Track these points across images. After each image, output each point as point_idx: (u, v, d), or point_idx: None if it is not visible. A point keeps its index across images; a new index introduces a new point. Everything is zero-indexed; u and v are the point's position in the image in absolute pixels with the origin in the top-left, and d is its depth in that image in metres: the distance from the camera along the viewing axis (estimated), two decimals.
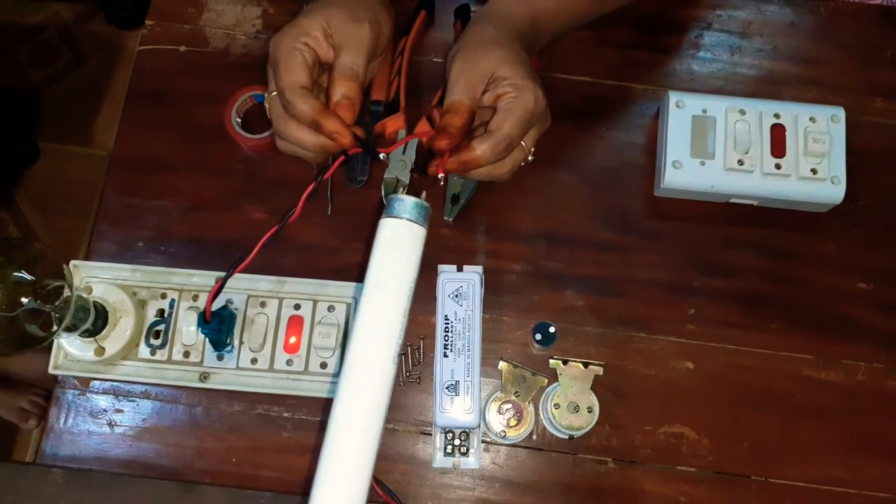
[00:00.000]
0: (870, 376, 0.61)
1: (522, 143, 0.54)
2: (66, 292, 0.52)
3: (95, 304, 0.56)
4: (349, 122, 0.52)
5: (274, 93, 0.53)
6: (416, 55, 0.67)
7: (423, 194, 0.48)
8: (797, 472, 0.59)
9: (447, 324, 0.59)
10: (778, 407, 0.60)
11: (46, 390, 1.25)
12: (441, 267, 0.61)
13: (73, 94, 1.41)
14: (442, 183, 0.53)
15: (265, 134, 0.64)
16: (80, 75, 1.41)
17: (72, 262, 0.60)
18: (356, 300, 0.60)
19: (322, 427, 0.59)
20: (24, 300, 0.48)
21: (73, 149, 1.37)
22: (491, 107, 0.53)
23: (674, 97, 0.62)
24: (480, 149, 0.51)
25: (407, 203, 0.46)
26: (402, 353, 0.60)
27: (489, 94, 0.53)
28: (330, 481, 0.41)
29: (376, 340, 0.43)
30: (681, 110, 0.62)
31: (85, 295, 0.56)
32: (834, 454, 0.59)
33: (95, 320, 0.56)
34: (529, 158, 0.56)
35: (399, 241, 0.46)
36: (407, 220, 0.46)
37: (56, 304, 0.51)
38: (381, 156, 0.56)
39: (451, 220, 0.62)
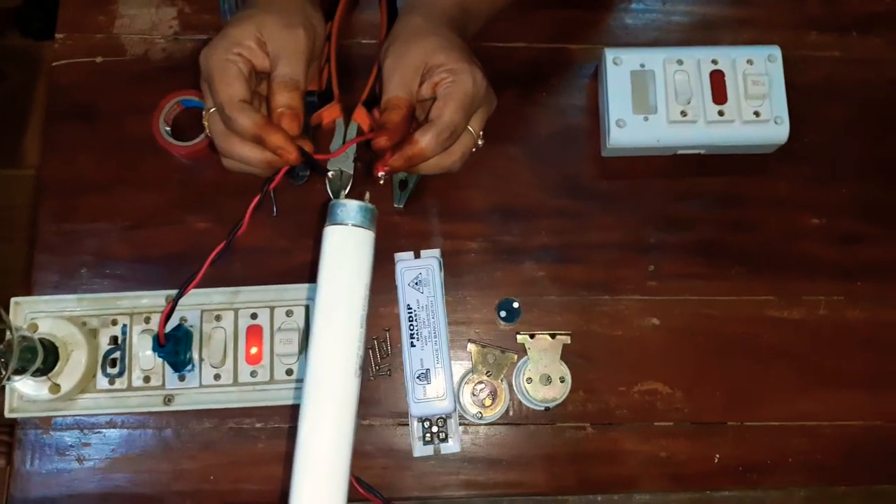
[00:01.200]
0: (831, 309, 0.61)
1: (470, 128, 0.52)
2: (8, 335, 0.50)
3: (43, 341, 0.54)
4: (295, 132, 0.49)
5: (212, 109, 0.50)
6: (343, 39, 0.65)
7: (367, 196, 0.46)
8: (770, 411, 0.60)
9: (410, 313, 0.58)
10: (745, 351, 0.61)
11: (8, 426, 1.21)
12: (397, 255, 0.60)
13: None
14: (382, 182, 0.51)
15: (197, 140, 0.62)
16: (1, 93, 1.34)
17: (13, 300, 0.58)
18: (314, 302, 0.58)
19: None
20: None
21: (2, 172, 1.31)
22: (432, 98, 0.51)
23: (610, 54, 0.61)
24: (424, 140, 0.49)
25: (350, 208, 0.45)
26: (369, 348, 0.59)
27: (426, 85, 0.51)
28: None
29: (335, 358, 0.42)
30: (618, 67, 0.61)
31: (29, 333, 0.54)
32: (804, 390, 0.60)
33: (45, 358, 0.53)
34: (479, 143, 0.54)
35: (347, 249, 0.44)
36: (352, 226, 0.44)
37: None
38: (330, 173, 0.54)
39: (401, 206, 0.61)
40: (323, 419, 0.41)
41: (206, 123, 0.52)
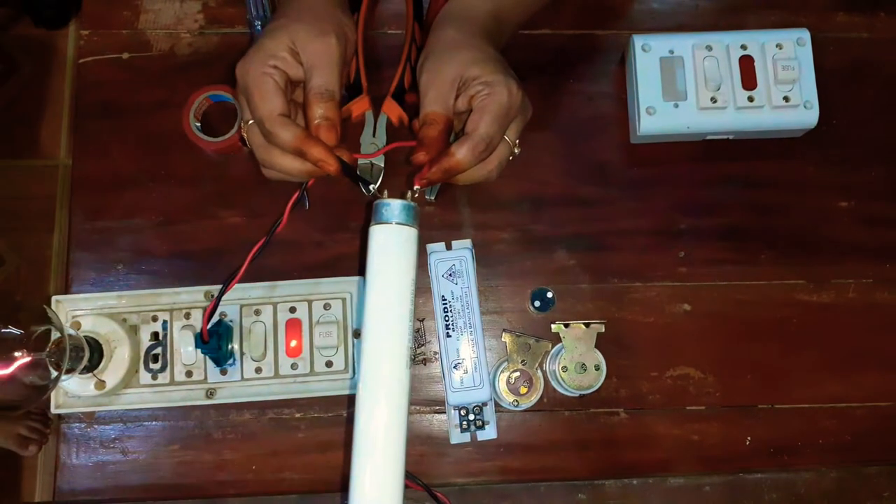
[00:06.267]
0: (860, 292, 0.62)
1: (506, 138, 0.52)
2: (55, 334, 0.51)
3: (87, 339, 0.55)
4: (333, 143, 0.50)
5: (250, 121, 0.51)
6: (369, 30, 0.65)
7: (409, 194, 0.47)
8: (801, 394, 0.61)
9: (445, 304, 0.58)
10: (776, 335, 0.61)
11: (43, 413, 1.23)
12: (430, 247, 0.60)
13: (11, 104, 1.34)
14: (417, 195, 0.50)
15: (228, 135, 0.62)
16: (15, 84, 1.34)
17: (54, 298, 0.59)
18: (351, 294, 0.59)
19: (337, 421, 0.59)
20: (17, 355, 0.47)
21: (21, 162, 1.31)
22: (468, 110, 0.52)
23: (639, 41, 0.61)
24: (460, 153, 0.50)
25: (394, 207, 0.45)
26: None
27: (462, 98, 0.51)
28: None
29: (388, 353, 0.43)
30: (647, 54, 0.61)
31: (74, 332, 0.55)
32: (834, 372, 0.61)
33: (91, 355, 0.54)
34: (516, 151, 0.54)
35: (392, 246, 0.45)
36: (397, 224, 0.45)
37: (48, 348, 0.50)
38: (371, 187, 0.53)
39: (432, 198, 0.61)
40: (379, 412, 0.42)
41: (244, 135, 0.52)
